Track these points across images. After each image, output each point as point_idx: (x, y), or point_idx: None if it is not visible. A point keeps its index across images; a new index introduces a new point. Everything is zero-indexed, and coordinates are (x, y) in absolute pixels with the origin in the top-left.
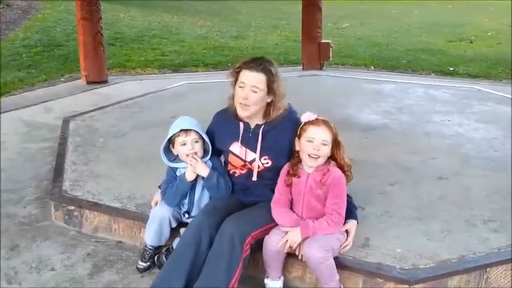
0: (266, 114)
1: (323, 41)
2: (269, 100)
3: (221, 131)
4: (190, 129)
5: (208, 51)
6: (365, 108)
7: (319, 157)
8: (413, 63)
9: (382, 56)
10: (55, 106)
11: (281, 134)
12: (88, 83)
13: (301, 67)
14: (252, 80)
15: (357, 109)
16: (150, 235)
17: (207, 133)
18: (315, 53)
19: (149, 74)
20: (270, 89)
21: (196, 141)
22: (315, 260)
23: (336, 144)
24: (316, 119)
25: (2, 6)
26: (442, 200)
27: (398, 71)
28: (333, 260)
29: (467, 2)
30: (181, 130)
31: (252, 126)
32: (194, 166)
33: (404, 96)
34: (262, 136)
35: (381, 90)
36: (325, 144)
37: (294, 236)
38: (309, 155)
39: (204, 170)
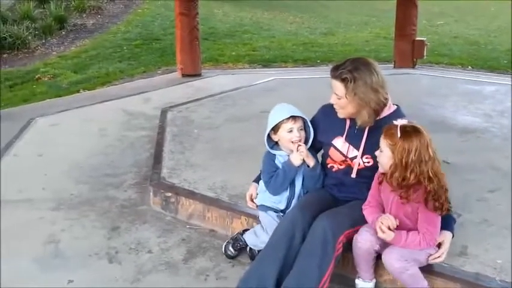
0: (375, 113)
1: (417, 38)
2: (359, 102)
3: (326, 123)
4: (298, 116)
5: (297, 47)
6: (462, 109)
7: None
8: None
9: (480, 56)
10: (153, 97)
11: None
12: (183, 75)
13: (393, 65)
14: (334, 87)
15: (453, 110)
16: (256, 244)
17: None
18: (408, 51)
19: (240, 68)
20: (354, 94)
21: (302, 129)
22: (393, 269)
23: (399, 162)
24: (391, 124)
25: (106, 1)
26: None
27: (498, 71)
28: (416, 270)
29: None
30: (290, 116)
31: (359, 123)
32: (304, 153)
33: (506, 99)
34: (367, 134)
35: (479, 92)
36: (381, 151)
37: (387, 237)
38: None
39: (311, 159)
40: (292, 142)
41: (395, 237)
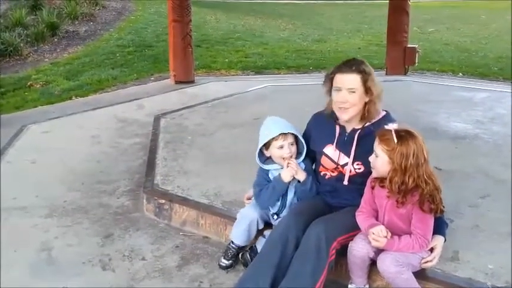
0: (363, 117)
1: (409, 45)
2: (366, 100)
3: (317, 132)
4: (288, 132)
5: (290, 54)
6: (454, 116)
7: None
8: (505, 71)
9: (470, 63)
10: (146, 104)
11: None
12: (176, 82)
13: (385, 72)
14: (347, 81)
15: (445, 117)
16: (238, 234)
17: (303, 133)
18: (400, 58)
19: (233, 75)
20: (367, 88)
21: (293, 144)
22: (388, 274)
23: (399, 167)
24: (384, 129)
25: (98, 8)
26: None
27: (488, 78)
28: (410, 274)
29: None
30: (280, 134)
31: (348, 130)
32: (294, 169)
33: (496, 106)
34: (357, 141)
35: (470, 98)
36: (376, 156)
37: (380, 244)
38: None
39: (302, 174)
40: (283, 158)
41: (388, 243)
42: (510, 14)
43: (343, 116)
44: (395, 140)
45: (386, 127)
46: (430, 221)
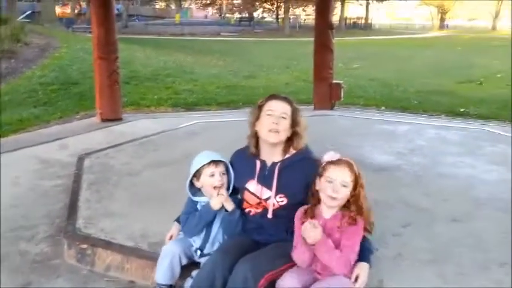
0: (285, 150)
1: (334, 81)
2: (290, 134)
3: (238, 168)
4: (219, 161)
5: (220, 90)
6: (377, 148)
7: (336, 199)
8: (424, 104)
9: (392, 97)
10: (70, 143)
11: (297, 173)
12: (103, 120)
13: (312, 107)
14: (280, 107)
15: (368, 150)
16: (161, 272)
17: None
18: (326, 93)
19: (162, 112)
20: (294, 120)
21: (224, 174)
22: None
23: (356, 186)
24: (339, 159)
25: (20, 45)
26: (455, 242)
27: (409, 111)
28: None
29: (476, 43)
30: (211, 161)
31: (269, 164)
32: (224, 197)
33: (416, 137)
34: (278, 173)
35: (392, 131)
36: (344, 186)
37: (316, 235)
38: (328, 196)
39: (230, 204)
40: (214, 187)
41: (321, 241)
42: (426, 52)
43: (273, 138)
44: (357, 170)
45: (334, 157)
46: (354, 245)
